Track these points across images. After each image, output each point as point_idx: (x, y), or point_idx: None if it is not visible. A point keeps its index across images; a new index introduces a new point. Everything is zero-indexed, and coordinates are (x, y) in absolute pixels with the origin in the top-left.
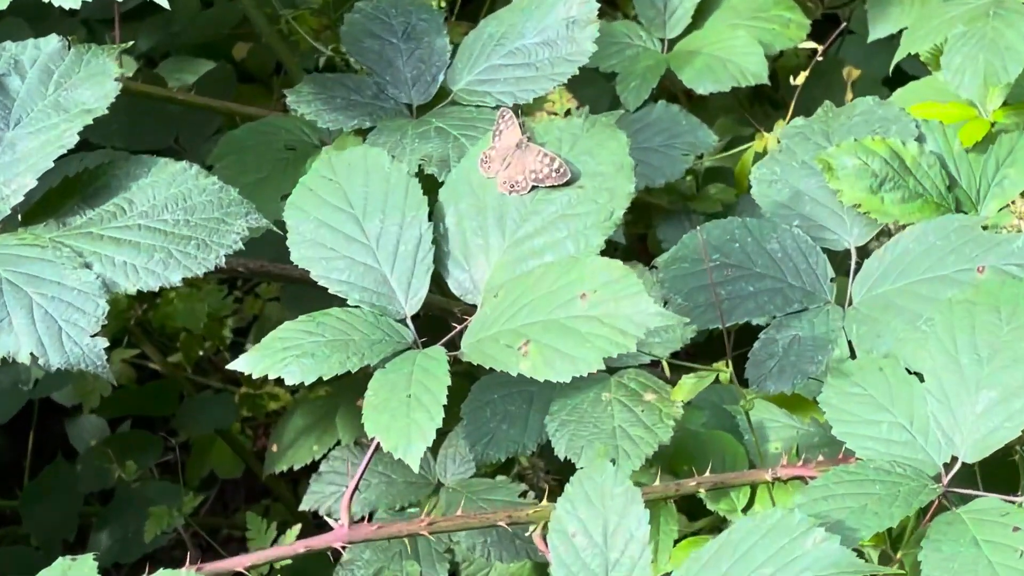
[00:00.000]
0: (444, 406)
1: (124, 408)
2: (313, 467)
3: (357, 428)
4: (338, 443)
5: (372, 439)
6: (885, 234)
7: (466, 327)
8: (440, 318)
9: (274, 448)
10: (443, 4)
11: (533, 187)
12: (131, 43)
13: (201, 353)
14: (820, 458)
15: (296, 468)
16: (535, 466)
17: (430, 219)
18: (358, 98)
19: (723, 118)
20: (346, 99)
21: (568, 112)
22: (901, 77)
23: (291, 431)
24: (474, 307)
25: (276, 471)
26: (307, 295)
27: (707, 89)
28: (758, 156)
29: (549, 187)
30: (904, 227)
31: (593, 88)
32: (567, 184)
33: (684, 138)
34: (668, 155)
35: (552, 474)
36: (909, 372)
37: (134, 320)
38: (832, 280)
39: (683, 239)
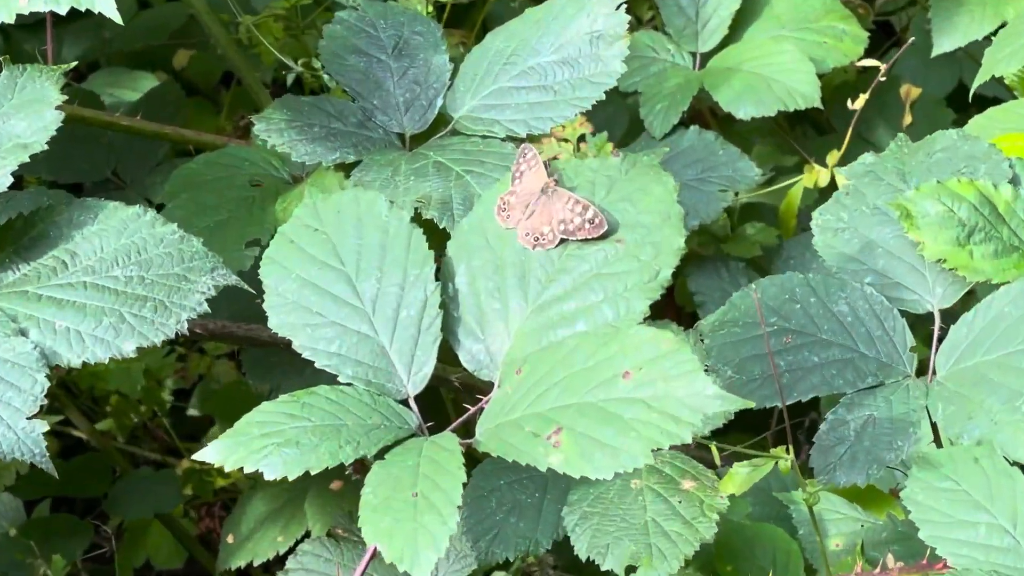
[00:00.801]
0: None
1: (46, 487)
2: (278, 562)
3: (330, 516)
4: (307, 534)
5: (369, 545)
6: (974, 295)
7: (480, 409)
8: (433, 388)
9: (229, 539)
10: (431, 9)
11: (562, 240)
12: (73, 64)
13: (136, 420)
14: (898, 564)
15: (256, 564)
16: (543, 562)
17: (437, 278)
18: (340, 126)
19: (760, 144)
20: (325, 127)
21: (583, 139)
22: (964, 92)
23: (250, 518)
24: (490, 385)
25: (232, 567)
26: (273, 359)
27: (748, 113)
28: (807, 192)
29: (581, 241)
30: (998, 286)
31: (608, 107)
32: (603, 237)
33: (721, 171)
34: (702, 191)
35: (561, 569)
36: (1010, 463)
37: (56, 380)
38: (912, 349)
39: (733, 299)
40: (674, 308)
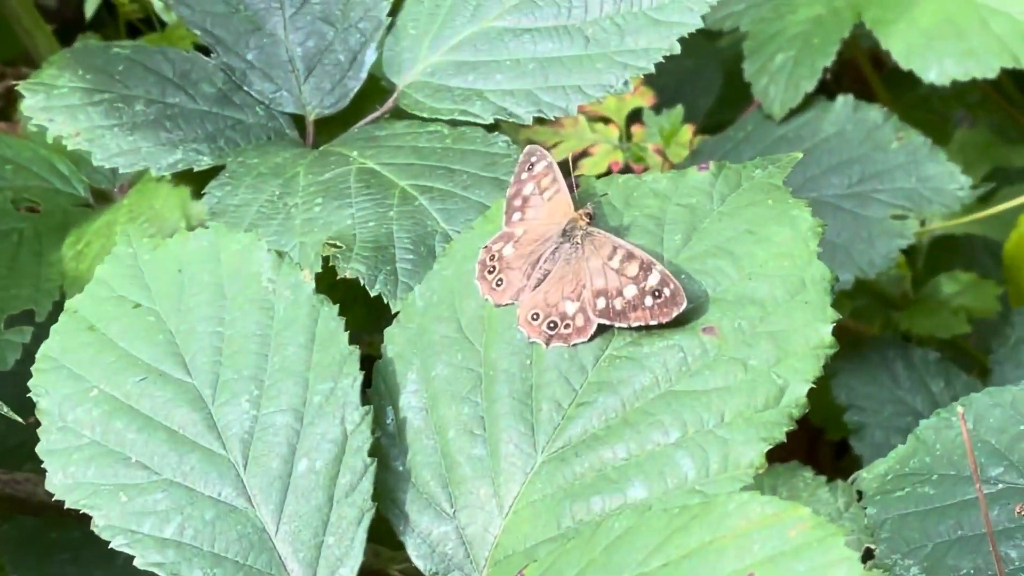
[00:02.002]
0: None
1: None
2: None
3: None
4: None
5: None
6: None
7: None
8: None
9: None
10: None
11: (601, 329)
12: None
13: None
14: None
15: None
16: None
17: (367, 397)
18: (184, 100)
19: (965, 128)
20: (157, 103)
21: (636, 119)
22: None
23: None
24: None
25: None
26: (45, 540)
27: (945, 74)
28: None
29: (637, 330)
30: None
31: (685, 61)
32: (679, 323)
33: (895, 180)
34: (862, 217)
35: None
36: None
37: None
38: None
39: (920, 430)
40: (807, 435)
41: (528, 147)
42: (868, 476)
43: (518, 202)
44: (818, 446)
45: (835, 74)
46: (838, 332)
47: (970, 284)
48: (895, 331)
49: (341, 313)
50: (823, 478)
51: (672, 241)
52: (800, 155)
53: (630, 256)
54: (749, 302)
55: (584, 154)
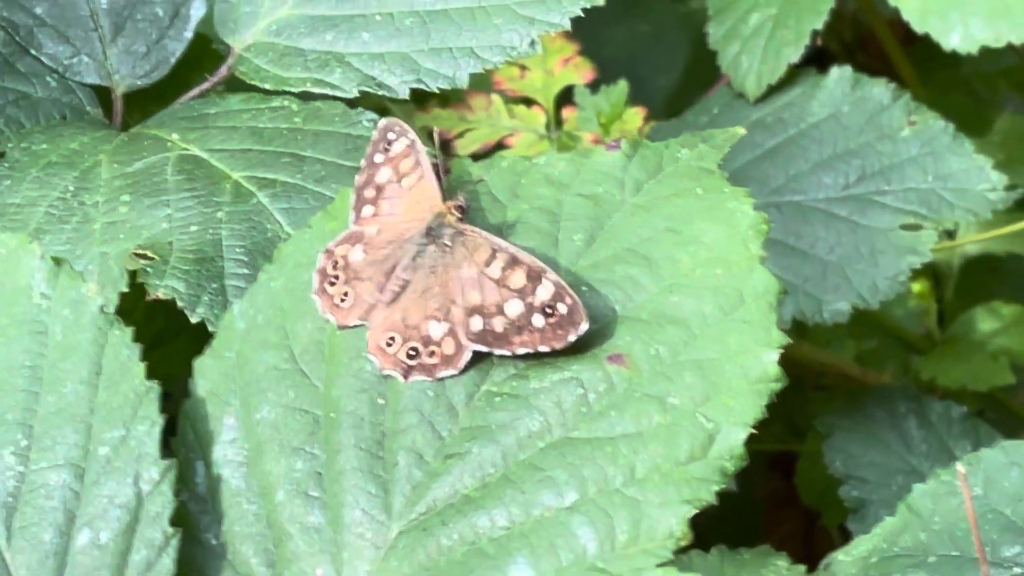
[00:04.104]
0: None
1: None
2: None
3: None
4: None
5: None
6: None
7: None
8: None
9: None
10: None
11: (478, 357)
12: None
13: None
14: None
15: None
16: None
17: (168, 450)
18: None
19: (1008, 114)
20: None
21: (569, 98)
22: None
23: None
24: None
25: None
26: None
27: (972, 40)
28: None
29: (524, 358)
30: None
31: (628, 23)
32: (576, 350)
33: (908, 178)
34: (862, 226)
35: None
36: None
37: None
38: None
39: (909, 500)
40: (803, 513)
41: (384, 121)
42: (846, 559)
43: (370, 192)
44: (819, 528)
45: (848, 47)
46: (836, 381)
47: (1014, 319)
48: (914, 381)
49: (157, 346)
50: (802, 568)
51: (571, 243)
52: (742, 131)
53: (514, 262)
54: (670, 322)
55: (500, 145)
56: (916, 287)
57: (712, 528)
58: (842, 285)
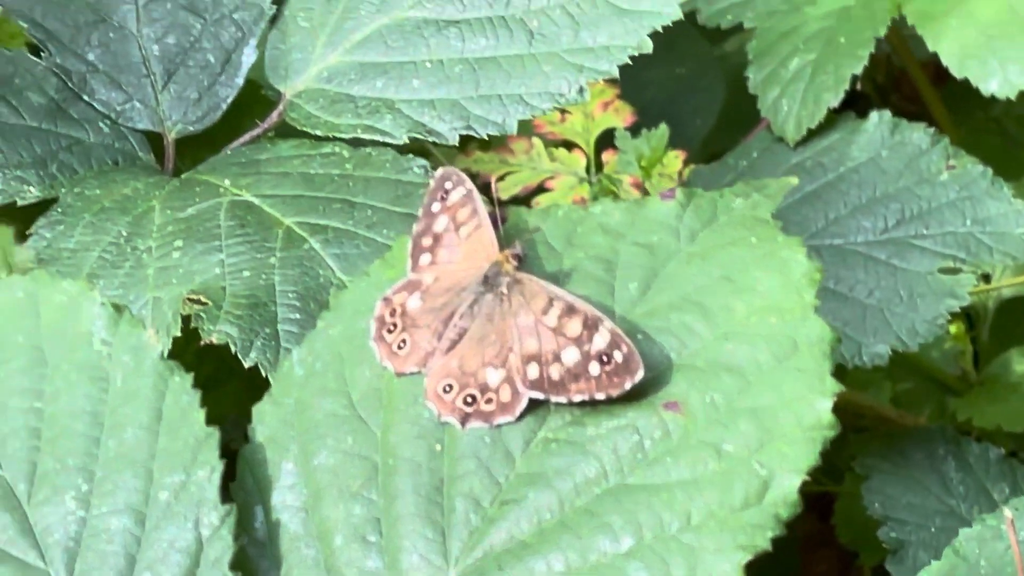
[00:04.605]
0: None
1: None
2: None
3: None
4: None
5: None
6: None
7: None
8: None
9: None
10: None
11: (534, 404)
12: None
13: None
14: None
15: None
16: None
17: (228, 494)
18: (5, 113)
19: None
20: None
21: (609, 142)
22: None
23: None
24: None
25: None
26: None
27: (1012, 86)
28: None
29: (580, 405)
30: None
31: (665, 66)
32: (632, 397)
33: (946, 221)
34: (902, 270)
35: None
36: None
37: None
38: None
39: (956, 545)
40: (838, 554)
41: (441, 170)
42: None
43: (428, 241)
44: (855, 569)
45: (882, 89)
46: (874, 423)
47: None
48: (951, 423)
49: (207, 390)
50: None
51: (626, 291)
52: (795, 180)
53: (571, 310)
54: (725, 370)
55: (540, 188)
56: (952, 329)
57: (748, 568)
58: (881, 328)
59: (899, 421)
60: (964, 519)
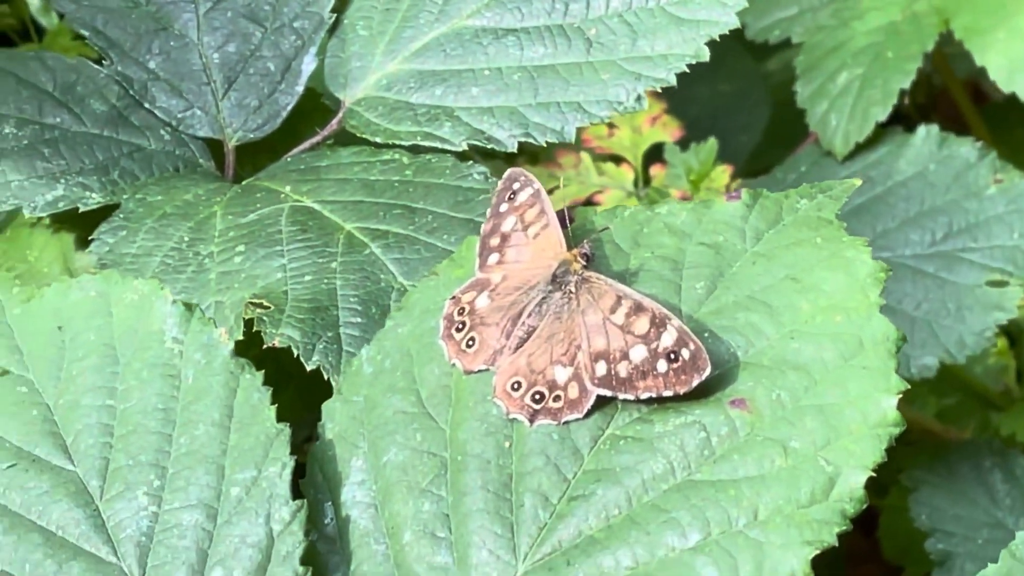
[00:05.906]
0: None
1: None
2: None
3: None
4: None
5: None
6: None
7: None
8: None
9: None
10: None
11: (600, 402)
12: None
13: None
14: None
15: None
16: None
17: (298, 491)
18: (67, 120)
19: None
20: (33, 123)
21: (657, 156)
22: None
23: None
24: None
25: None
26: None
27: None
28: None
29: (647, 402)
30: None
31: (722, 83)
32: (699, 395)
33: (993, 235)
34: (950, 282)
35: None
36: None
37: None
38: None
39: (1013, 547)
40: (878, 570)
41: (509, 171)
42: None
43: (496, 240)
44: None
45: (922, 108)
46: (920, 437)
47: None
48: (994, 436)
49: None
50: None
51: (693, 290)
52: (858, 182)
53: (638, 308)
54: (791, 367)
55: (588, 203)
56: (998, 344)
57: None
58: (929, 340)
59: (943, 435)
60: (1011, 531)
